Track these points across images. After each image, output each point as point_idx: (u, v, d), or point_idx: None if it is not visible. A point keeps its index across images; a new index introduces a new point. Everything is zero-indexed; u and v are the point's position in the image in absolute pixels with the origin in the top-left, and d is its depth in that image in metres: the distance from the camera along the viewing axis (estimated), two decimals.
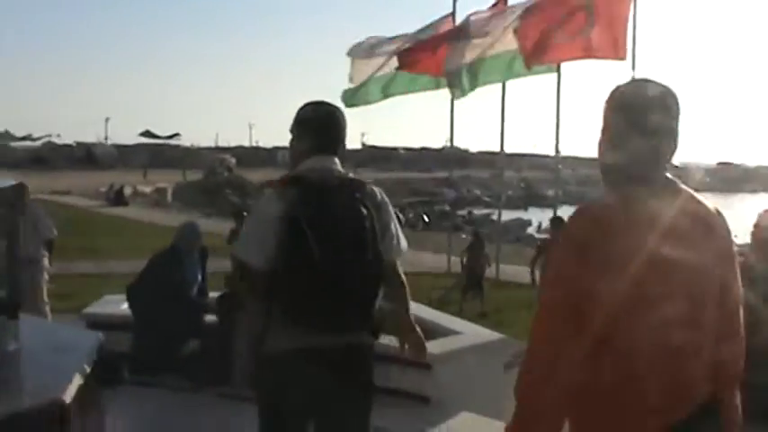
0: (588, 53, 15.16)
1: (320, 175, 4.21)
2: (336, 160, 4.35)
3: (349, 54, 18.97)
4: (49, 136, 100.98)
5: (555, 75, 17.35)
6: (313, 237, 3.95)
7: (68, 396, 3.52)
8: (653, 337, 2.75)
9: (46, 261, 11.50)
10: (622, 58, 14.81)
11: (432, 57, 17.11)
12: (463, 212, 50.77)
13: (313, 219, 4.00)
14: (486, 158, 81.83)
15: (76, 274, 16.75)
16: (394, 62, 17.78)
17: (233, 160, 71.36)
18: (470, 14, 17.27)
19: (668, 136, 2.89)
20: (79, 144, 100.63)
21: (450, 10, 18.87)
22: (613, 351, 2.76)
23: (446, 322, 8.50)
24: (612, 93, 2.95)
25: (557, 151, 18.70)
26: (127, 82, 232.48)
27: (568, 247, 2.86)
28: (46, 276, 11.46)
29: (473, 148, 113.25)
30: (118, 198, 43.46)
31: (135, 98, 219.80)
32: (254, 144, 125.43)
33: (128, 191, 48.24)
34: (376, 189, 4.40)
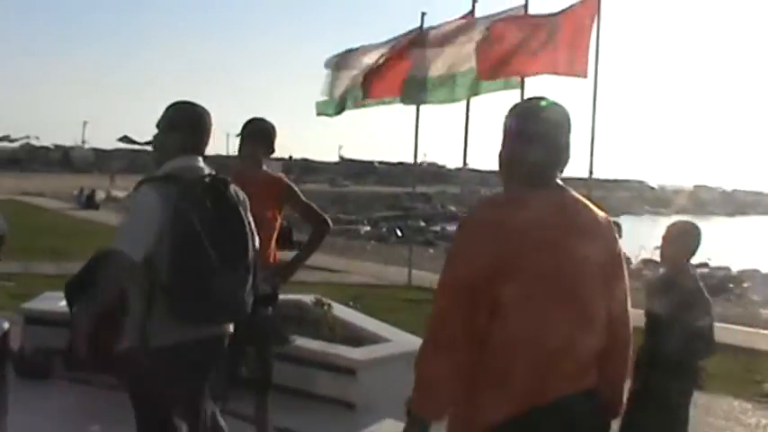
0: (550, 69, 15.26)
1: (193, 173, 4.38)
2: (201, 160, 4.51)
3: (326, 66, 19.02)
4: (28, 137, 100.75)
5: (518, 91, 17.36)
6: (205, 235, 4.13)
7: None
8: (538, 322, 3.03)
9: None
10: (584, 75, 14.90)
11: (389, 79, 17.24)
12: (436, 228, 50.75)
13: (202, 218, 4.16)
14: (464, 175, 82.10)
15: (38, 275, 16.67)
16: (359, 77, 17.89)
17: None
18: (431, 28, 17.41)
19: (561, 147, 3.24)
20: (57, 147, 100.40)
21: (419, 23, 18.91)
22: (502, 333, 3.02)
23: (375, 328, 8.53)
24: (514, 108, 3.34)
25: None
26: (108, 86, 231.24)
27: (477, 230, 3.11)
28: None
29: (450, 165, 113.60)
30: (89, 202, 43.35)
31: (115, 102, 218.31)
32: (231, 153, 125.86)
33: (101, 195, 48.05)
34: (236, 187, 4.56)
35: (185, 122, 4.53)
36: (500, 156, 3.30)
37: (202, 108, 4.62)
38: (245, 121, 6.13)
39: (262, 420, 6.18)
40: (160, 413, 4.46)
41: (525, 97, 5.00)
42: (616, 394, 3.43)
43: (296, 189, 6.15)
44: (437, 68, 16.88)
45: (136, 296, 4.28)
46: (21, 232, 24.45)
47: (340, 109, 18.69)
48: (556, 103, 3.29)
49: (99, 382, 7.63)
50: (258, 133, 6.07)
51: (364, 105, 18.81)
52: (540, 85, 17.92)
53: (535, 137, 3.18)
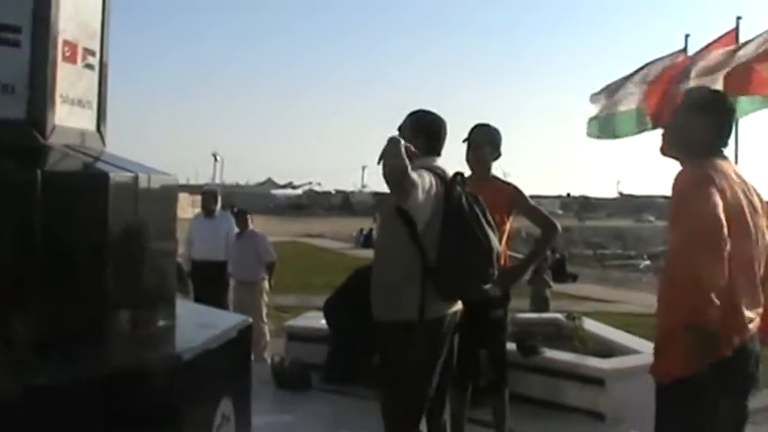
0: None
1: (443, 171, 4.83)
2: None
3: (591, 101, 18.82)
4: (310, 184, 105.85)
5: None
6: (475, 224, 4.65)
7: (186, 355, 3.93)
8: (738, 270, 3.61)
9: (266, 283, 12.10)
10: None
11: (660, 99, 16.73)
12: None
13: (471, 207, 4.70)
14: None
15: (312, 307, 17.40)
16: (634, 99, 17.49)
17: None
18: (696, 56, 16.75)
19: (728, 125, 4.07)
20: (337, 192, 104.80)
21: (683, 45, 18.33)
22: None
23: (626, 341, 8.37)
24: (691, 94, 4.44)
25: None
26: (386, 132, 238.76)
27: (707, 187, 3.64)
28: (265, 298, 12.05)
29: None
30: (366, 241, 44.82)
31: None
32: None
33: None
34: None
35: (429, 128, 4.99)
36: (689, 131, 3.98)
37: (439, 116, 5.06)
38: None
39: (501, 424, 6.19)
40: (413, 398, 4.78)
41: None
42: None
43: (523, 193, 6.18)
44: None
45: (411, 273, 4.63)
46: (299, 270, 25.84)
47: (609, 134, 18.36)
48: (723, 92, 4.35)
49: (354, 394, 7.89)
50: (484, 139, 6.17)
51: (644, 130, 18.38)
52: None
53: (729, 117, 4.06)
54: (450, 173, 4.85)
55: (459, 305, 4.87)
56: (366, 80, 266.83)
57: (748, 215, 3.77)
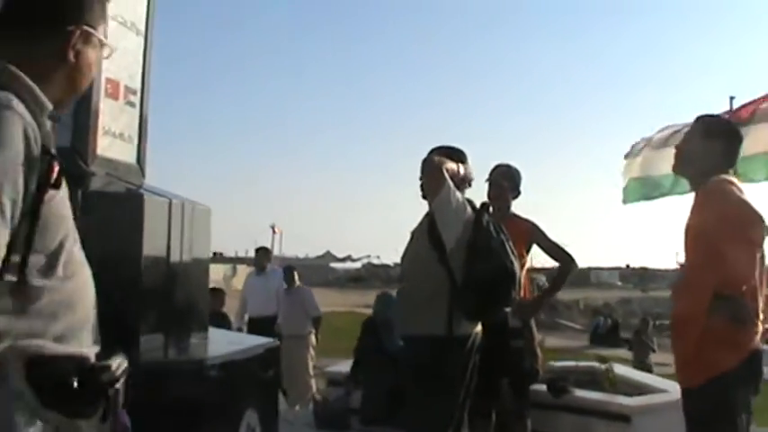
0: None
1: (472, 201, 5.25)
2: None
3: (626, 156, 18.82)
4: (368, 256, 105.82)
5: None
6: (501, 249, 4.95)
7: (211, 361, 4.25)
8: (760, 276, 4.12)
9: (312, 337, 12.41)
10: None
11: None
12: None
13: (497, 234, 5.04)
14: None
15: None
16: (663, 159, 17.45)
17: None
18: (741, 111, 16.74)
19: (736, 152, 4.57)
20: (396, 264, 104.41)
21: (728, 107, 18.33)
22: None
23: (654, 382, 8.50)
24: (705, 120, 4.65)
25: None
26: None
27: (740, 196, 4.24)
28: (312, 352, 12.34)
29: None
30: None
31: None
32: None
33: None
34: None
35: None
36: (703, 154, 4.42)
37: (462, 150, 5.41)
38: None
39: None
40: (443, 413, 4.93)
41: None
42: None
43: (541, 229, 6.45)
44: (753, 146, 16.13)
45: (439, 291, 4.90)
46: (354, 336, 25.97)
47: (638, 195, 18.35)
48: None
49: None
50: (504, 177, 6.49)
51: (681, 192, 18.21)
52: None
53: (738, 145, 4.56)
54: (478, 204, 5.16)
55: (479, 327, 5.08)
56: (422, 150, 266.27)
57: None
